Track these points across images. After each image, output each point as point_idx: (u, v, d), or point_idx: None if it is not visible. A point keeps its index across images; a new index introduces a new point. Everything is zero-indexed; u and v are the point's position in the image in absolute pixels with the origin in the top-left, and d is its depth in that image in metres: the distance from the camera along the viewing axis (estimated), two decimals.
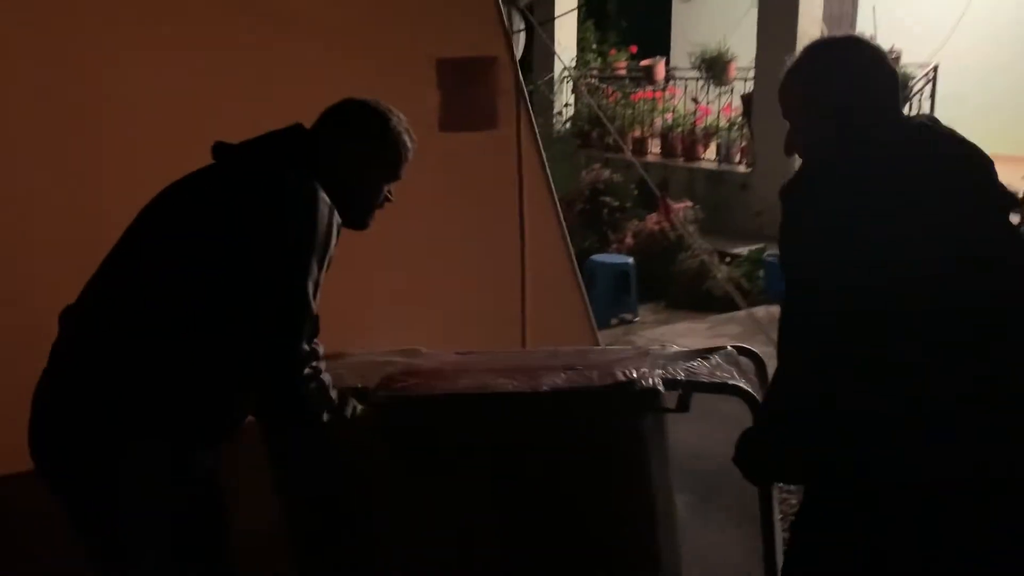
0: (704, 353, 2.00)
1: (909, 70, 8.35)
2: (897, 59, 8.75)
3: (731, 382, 1.84)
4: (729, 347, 2.02)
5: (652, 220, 7.10)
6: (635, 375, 1.84)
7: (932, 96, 8.18)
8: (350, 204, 1.80)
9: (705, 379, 1.85)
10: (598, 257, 6.51)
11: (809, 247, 1.41)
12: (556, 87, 10.07)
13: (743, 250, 7.13)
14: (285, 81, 2.52)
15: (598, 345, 3.12)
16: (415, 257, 2.73)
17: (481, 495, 1.87)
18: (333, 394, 1.78)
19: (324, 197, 1.70)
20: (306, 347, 1.68)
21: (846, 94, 1.47)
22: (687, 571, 2.26)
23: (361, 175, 1.85)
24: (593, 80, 10.30)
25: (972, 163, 1.45)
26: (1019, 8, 8.92)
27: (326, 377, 1.75)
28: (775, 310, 6.14)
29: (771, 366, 1.62)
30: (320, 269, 1.69)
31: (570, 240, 3.08)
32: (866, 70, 1.49)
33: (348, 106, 1.86)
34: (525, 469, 1.86)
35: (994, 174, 1.46)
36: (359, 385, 1.95)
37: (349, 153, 1.83)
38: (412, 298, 2.72)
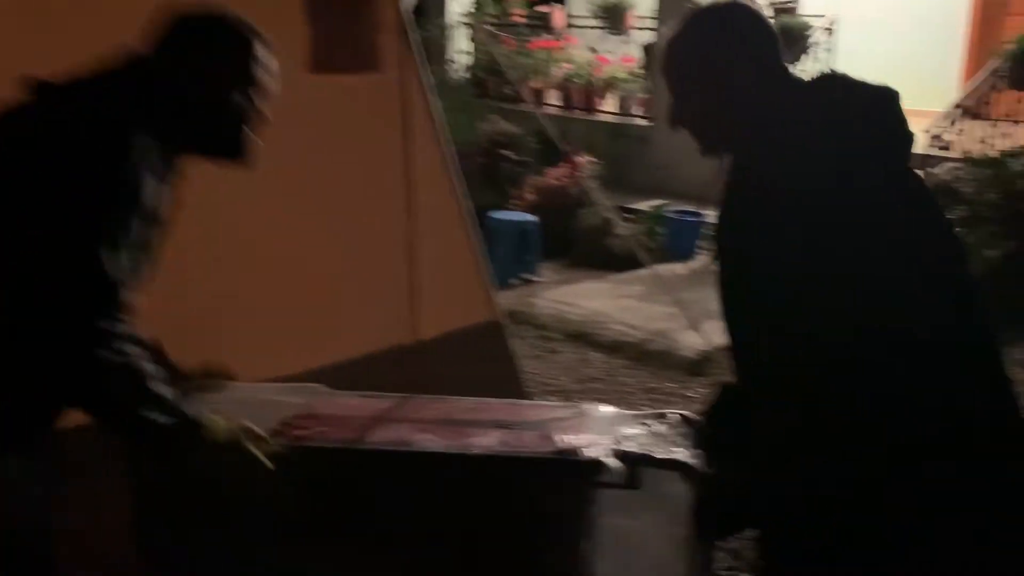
0: (647, 419, 1.77)
1: (806, 20, 8.28)
2: (793, 9, 8.67)
3: (684, 460, 1.60)
4: (671, 413, 1.81)
5: (553, 175, 6.81)
6: (577, 443, 1.62)
7: (831, 49, 8.13)
8: (210, 131, 1.59)
9: (656, 453, 1.62)
10: (498, 215, 6.18)
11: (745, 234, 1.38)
12: (450, 32, 9.61)
13: (644, 206, 6.97)
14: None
15: (496, 317, 2.80)
16: (283, 224, 2.32)
17: (390, 564, 1.59)
18: (161, 390, 1.43)
19: (140, 144, 1.44)
20: (108, 324, 1.36)
21: (734, 58, 1.45)
22: (602, 554, 2.04)
23: (207, 89, 1.58)
24: (490, 27, 9.87)
25: (872, 113, 1.43)
26: None
27: (146, 366, 1.41)
28: (677, 268, 6.05)
29: None
30: (128, 229, 1.40)
31: (468, 196, 2.73)
32: (751, 32, 1.48)
33: (172, 18, 1.61)
34: (444, 538, 1.60)
35: (897, 113, 1.44)
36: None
37: (186, 68, 1.57)
38: (280, 273, 2.32)
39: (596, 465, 1.57)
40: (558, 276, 6.11)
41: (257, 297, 2.27)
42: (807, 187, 1.33)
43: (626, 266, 5.87)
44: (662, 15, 7.76)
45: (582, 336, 4.81)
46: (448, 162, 2.62)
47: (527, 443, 1.62)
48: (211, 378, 1.78)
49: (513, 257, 5.96)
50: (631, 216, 6.75)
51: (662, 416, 1.76)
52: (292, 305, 2.34)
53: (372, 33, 2.37)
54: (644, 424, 1.72)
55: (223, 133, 1.60)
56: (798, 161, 1.36)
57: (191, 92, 1.56)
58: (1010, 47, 7.09)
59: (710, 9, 1.54)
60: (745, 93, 1.44)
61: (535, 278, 6.00)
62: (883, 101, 1.44)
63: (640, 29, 8.83)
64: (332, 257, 2.42)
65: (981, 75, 7.41)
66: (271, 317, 2.29)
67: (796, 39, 7.89)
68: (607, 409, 1.82)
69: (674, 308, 4.43)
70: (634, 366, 4.42)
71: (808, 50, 8.08)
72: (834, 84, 1.47)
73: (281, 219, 2.33)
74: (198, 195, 2.12)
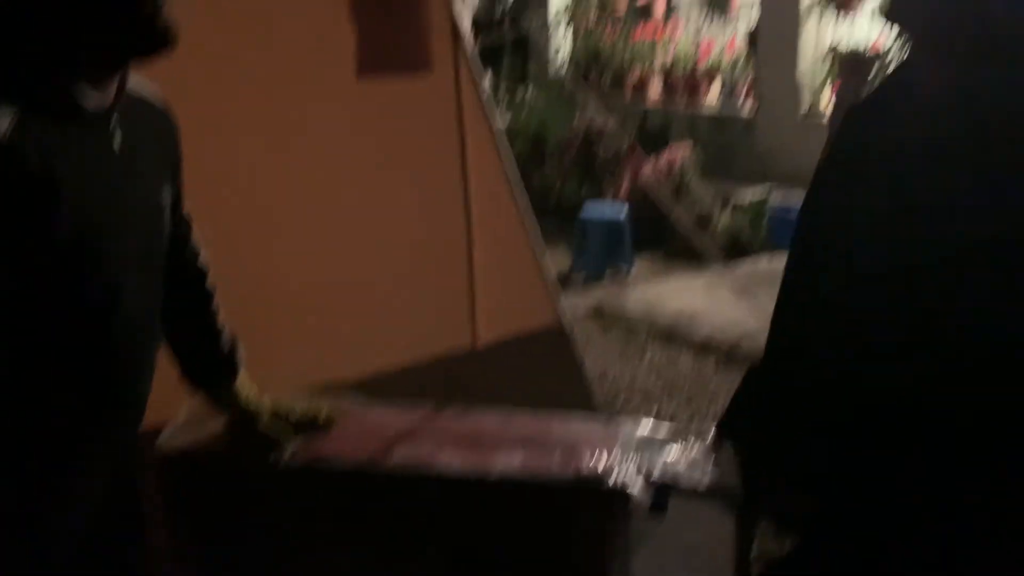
0: (685, 437, 1.64)
1: None
2: None
3: (715, 487, 1.50)
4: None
5: (647, 169, 6.63)
6: (603, 467, 1.51)
7: None
8: (112, 17, 1.07)
9: (685, 480, 1.51)
10: (588, 212, 6.04)
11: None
12: (551, 27, 9.54)
13: (747, 196, 6.71)
14: None
15: (562, 325, 2.70)
16: (336, 228, 2.30)
17: None
18: None
19: None
20: None
21: None
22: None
23: None
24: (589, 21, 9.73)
25: None
26: None
27: None
28: (779, 262, 5.77)
29: None
30: None
31: (564, 188, 2.62)
32: None
33: None
34: (461, 563, 1.54)
35: None
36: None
37: None
38: (332, 277, 2.29)
39: (617, 493, 1.46)
40: (653, 267, 5.94)
41: (308, 302, 2.25)
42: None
43: (725, 258, 5.69)
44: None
45: (672, 335, 4.64)
46: (505, 162, 2.53)
47: (551, 464, 1.52)
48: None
49: (606, 250, 5.83)
50: (733, 207, 6.50)
51: (703, 435, 1.63)
52: (344, 311, 2.31)
53: (422, 30, 2.31)
54: (682, 443, 1.60)
55: (134, 13, 1.06)
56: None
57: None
58: None
59: None
60: None
61: (628, 271, 5.86)
62: None
63: (747, 7, 8.50)
64: (386, 262, 2.37)
65: None
66: (323, 323, 2.27)
67: None
68: (644, 424, 1.70)
69: (769, 307, 4.21)
70: (724, 369, 4.22)
71: None
72: None
73: (333, 223, 2.30)
74: (247, 196, 2.12)
